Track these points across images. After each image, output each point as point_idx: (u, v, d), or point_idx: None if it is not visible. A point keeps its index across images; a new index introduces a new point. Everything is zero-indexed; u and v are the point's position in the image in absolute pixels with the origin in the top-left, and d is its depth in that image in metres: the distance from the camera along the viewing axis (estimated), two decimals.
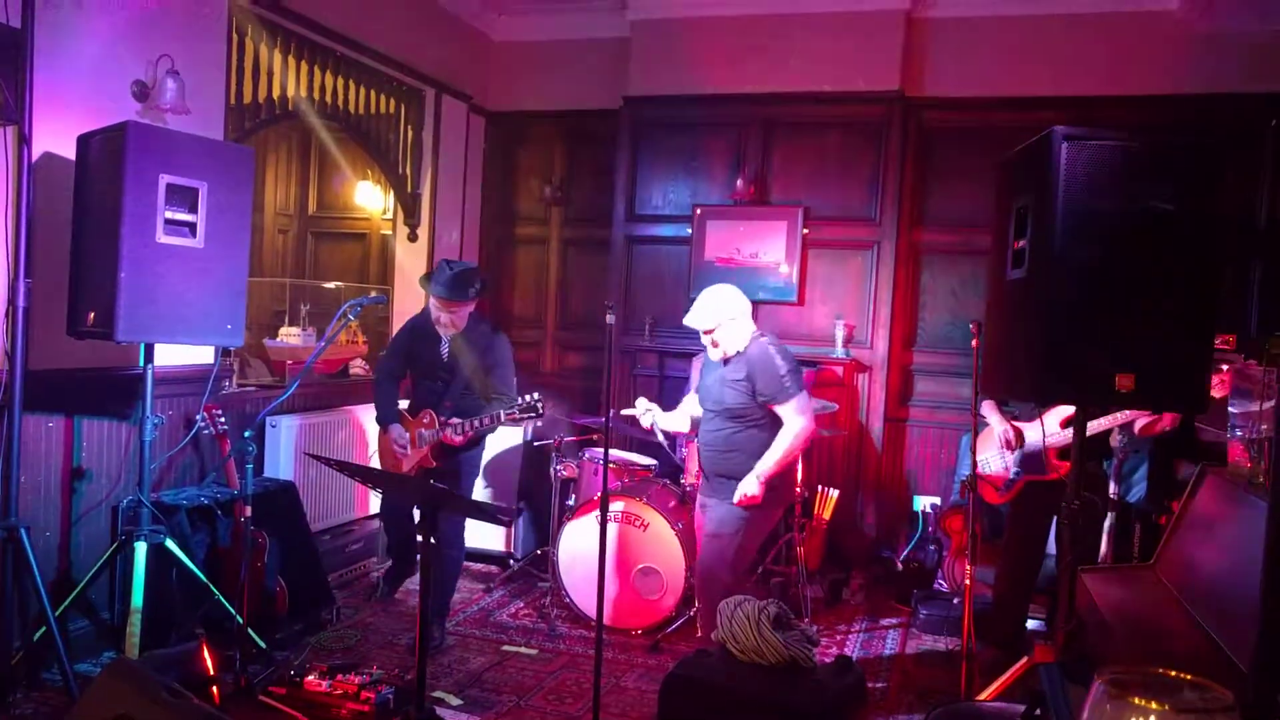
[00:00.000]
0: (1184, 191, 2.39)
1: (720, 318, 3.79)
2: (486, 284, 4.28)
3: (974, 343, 3.64)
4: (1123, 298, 2.38)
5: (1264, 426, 2.99)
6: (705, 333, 3.82)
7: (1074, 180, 2.38)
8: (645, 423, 4.12)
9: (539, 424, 4.05)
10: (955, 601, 4.66)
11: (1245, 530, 2.96)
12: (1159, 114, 5.23)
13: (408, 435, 4.21)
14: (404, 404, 4.41)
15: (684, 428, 4.21)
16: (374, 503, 5.49)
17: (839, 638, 4.63)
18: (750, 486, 3.74)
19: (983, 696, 3.37)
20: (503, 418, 3.95)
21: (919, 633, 4.71)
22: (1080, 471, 2.71)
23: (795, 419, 3.75)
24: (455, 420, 4.06)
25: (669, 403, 4.92)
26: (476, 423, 4.01)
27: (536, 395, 3.92)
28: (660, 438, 4.54)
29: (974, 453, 3.91)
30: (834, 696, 3.07)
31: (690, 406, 4.19)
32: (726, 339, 3.81)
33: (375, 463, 4.66)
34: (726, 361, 3.88)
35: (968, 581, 3.77)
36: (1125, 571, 3.84)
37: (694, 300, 3.92)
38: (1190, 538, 3.32)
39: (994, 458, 4.25)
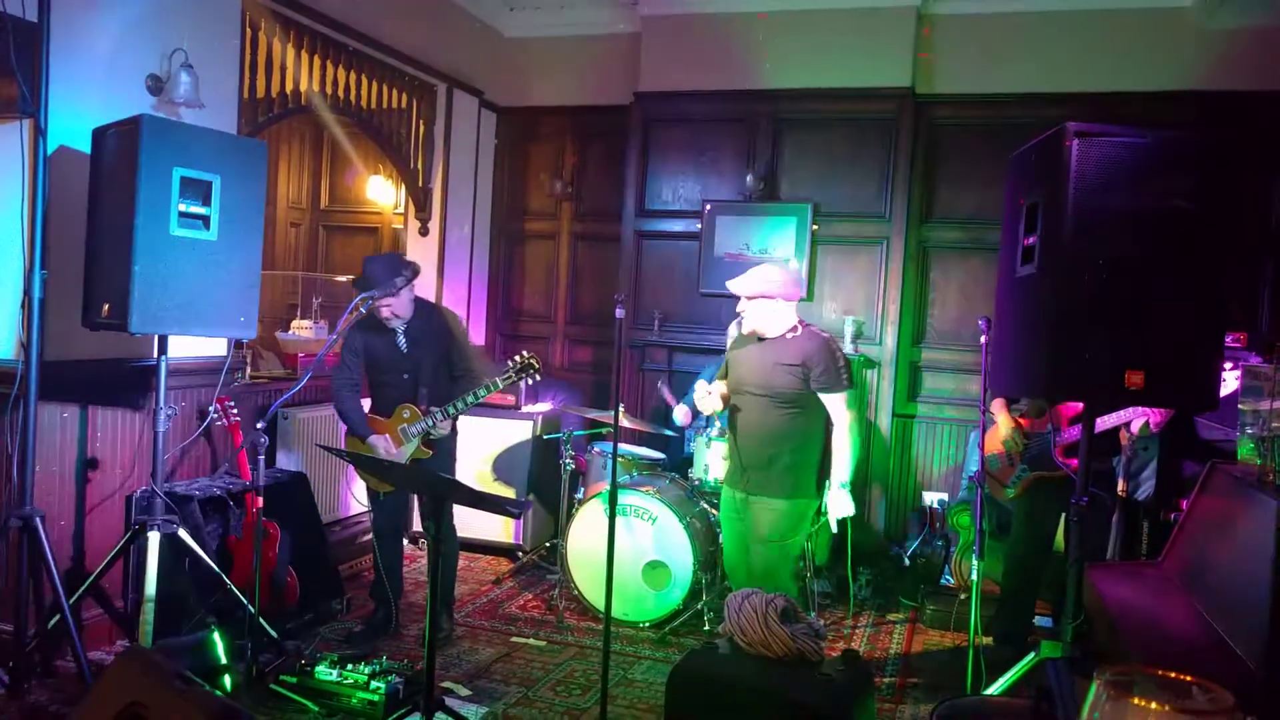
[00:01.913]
0: (1196, 189, 2.39)
1: (761, 289, 3.62)
2: (417, 268, 4.17)
3: (983, 339, 3.63)
4: (1133, 294, 2.37)
5: (1274, 424, 2.98)
6: (749, 299, 3.66)
7: (1085, 177, 2.38)
8: (707, 408, 3.92)
9: (537, 379, 3.98)
10: (962, 597, 4.67)
11: (1254, 528, 2.96)
12: (1172, 111, 5.20)
13: (387, 437, 4.07)
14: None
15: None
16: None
17: (846, 632, 4.64)
18: (843, 503, 3.65)
19: (989, 692, 3.38)
20: (500, 385, 3.94)
21: (926, 628, 4.72)
22: (1088, 468, 2.72)
23: (844, 412, 3.64)
24: (436, 409, 4.00)
25: (677, 394, 4.95)
26: (470, 397, 3.96)
27: (527, 352, 3.93)
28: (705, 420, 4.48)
29: (982, 449, 3.91)
30: (841, 690, 3.08)
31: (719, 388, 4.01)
32: (763, 315, 3.66)
33: (359, 482, 4.53)
34: (765, 343, 3.71)
35: (975, 577, 3.78)
36: (1133, 568, 3.84)
37: (747, 272, 3.75)
38: (1198, 535, 3.32)
39: (1001, 455, 4.25)
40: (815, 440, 3.70)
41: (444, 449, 4.22)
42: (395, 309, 4.03)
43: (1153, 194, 2.38)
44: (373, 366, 4.18)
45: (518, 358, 3.94)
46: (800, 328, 3.71)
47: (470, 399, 3.97)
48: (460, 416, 4.16)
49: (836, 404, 3.64)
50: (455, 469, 4.37)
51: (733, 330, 4.62)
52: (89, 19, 3.66)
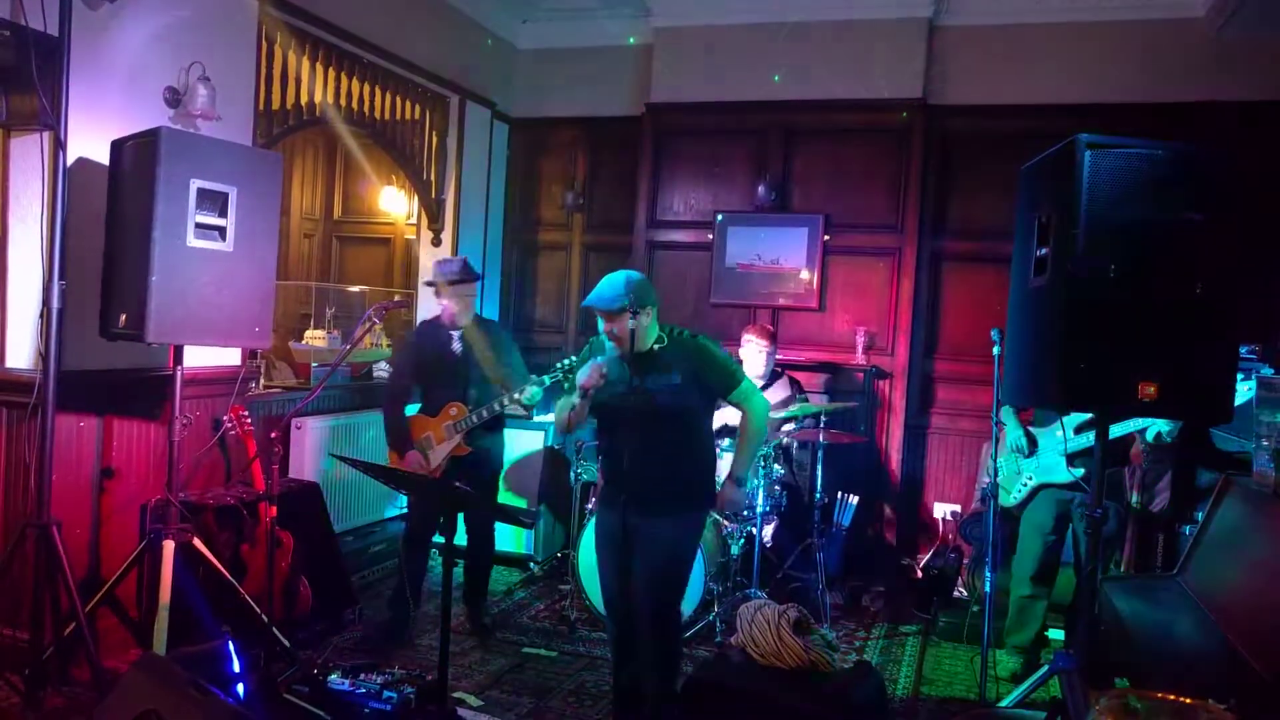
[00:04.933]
0: (1208, 200, 2.39)
1: (636, 301, 3.13)
2: (480, 274, 4.50)
3: (996, 350, 3.63)
4: (1145, 305, 2.37)
5: None
6: (614, 314, 3.15)
7: (1097, 188, 2.38)
8: None
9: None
10: (975, 609, 4.64)
11: (1270, 540, 2.95)
12: (1184, 122, 5.19)
13: (429, 435, 4.26)
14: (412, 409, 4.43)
15: None
16: (397, 506, 5.55)
17: (858, 643, 4.62)
18: (736, 494, 3.38)
19: (1003, 704, 3.36)
20: (548, 383, 4.02)
21: (939, 639, 4.69)
22: (1102, 479, 2.71)
23: (749, 407, 3.33)
24: (481, 406, 4.20)
25: None
26: (509, 397, 4.14)
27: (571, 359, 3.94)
28: None
29: (994, 460, 3.90)
30: (854, 702, 3.07)
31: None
32: (641, 330, 3.20)
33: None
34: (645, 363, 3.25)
35: (988, 589, 3.76)
36: (1148, 580, 3.82)
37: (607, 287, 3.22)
38: (1214, 547, 3.31)
39: (1008, 464, 4.24)
40: None
41: (486, 448, 4.37)
42: (468, 303, 4.26)
43: (1165, 205, 2.38)
44: (426, 369, 4.35)
45: (565, 361, 3.92)
46: (669, 337, 3.35)
47: (517, 395, 4.11)
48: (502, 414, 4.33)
49: (744, 395, 3.39)
50: (501, 467, 4.61)
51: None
52: (109, 33, 3.70)
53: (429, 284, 4.40)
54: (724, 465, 4.70)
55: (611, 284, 3.19)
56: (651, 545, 3.21)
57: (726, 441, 4.68)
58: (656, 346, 3.27)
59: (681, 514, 3.29)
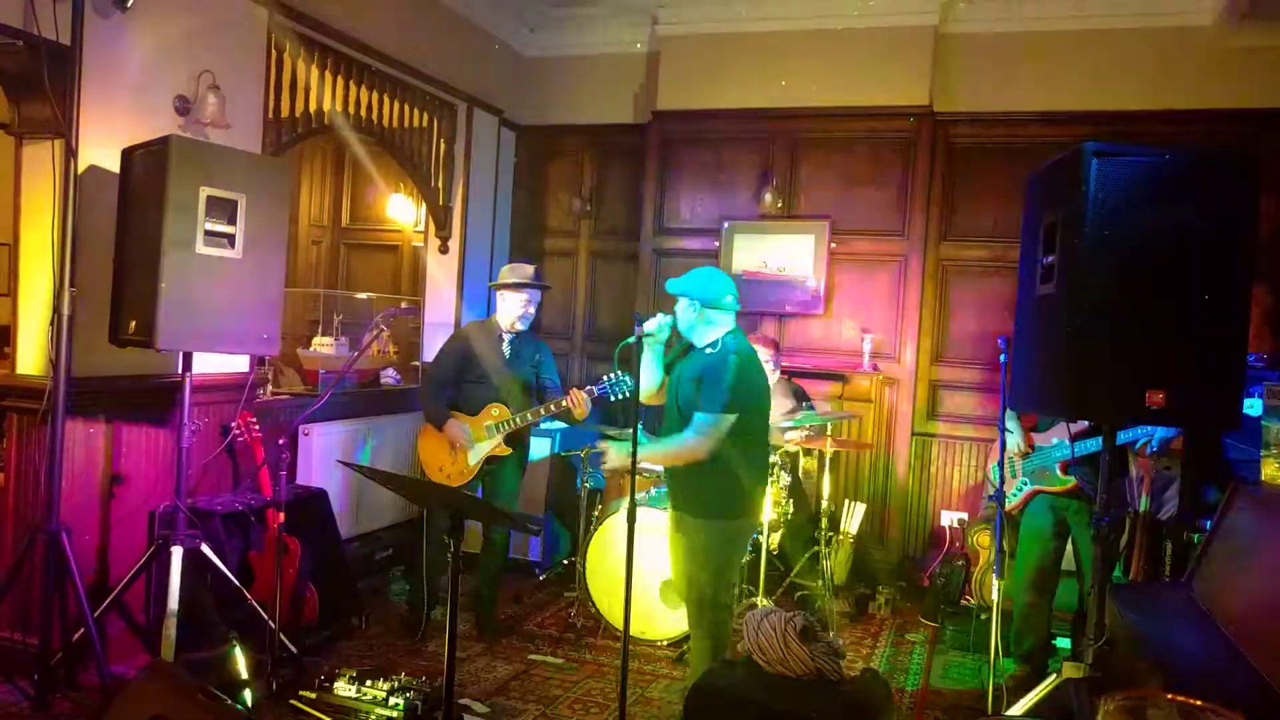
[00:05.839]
0: (1217, 207, 2.39)
1: (685, 290, 3.38)
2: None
3: (1002, 357, 3.63)
4: (1153, 313, 2.37)
5: None
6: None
7: (1104, 196, 2.37)
8: None
9: (626, 395, 4.08)
10: (983, 617, 4.63)
11: (1279, 548, 2.93)
12: (1193, 129, 5.19)
13: (468, 428, 4.31)
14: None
15: None
16: (404, 513, 5.56)
17: (865, 651, 4.61)
18: (612, 453, 3.43)
19: (1011, 713, 3.35)
20: (595, 392, 4.13)
21: (946, 647, 4.68)
22: (1109, 487, 2.71)
23: (691, 430, 3.32)
24: (527, 410, 4.28)
25: None
26: (555, 404, 4.24)
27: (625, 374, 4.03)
28: None
29: (1001, 467, 3.89)
30: (860, 710, 3.06)
31: None
32: (687, 321, 3.40)
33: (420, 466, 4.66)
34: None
35: (995, 597, 3.75)
36: (1156, 589, 3.81)
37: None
38: (1223, 556, 3.29)
39: (1011, 470, 4.23)
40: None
41: (524, 449, 4.55)
42: (525, 311, 4.39)
43: (1172, 213, 2.37)
44: (473, 366, 4.42)
45: (611, 375, 4.11)
46: (721, 343, 3.41)
47: (591, 390, 4.18)
48: (540, 421, 4.43)
49: (693, 420, 3.35)
50: (526, 465, 4.70)
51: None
52: (120, 42, 3.73)
53: (500, 286, 4.43)
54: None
55: (693, 272, 3.44)
56: (686, 541, 3.49)
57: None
58: (709, 350, 3.40)
59: (704, 518, 3.44)
